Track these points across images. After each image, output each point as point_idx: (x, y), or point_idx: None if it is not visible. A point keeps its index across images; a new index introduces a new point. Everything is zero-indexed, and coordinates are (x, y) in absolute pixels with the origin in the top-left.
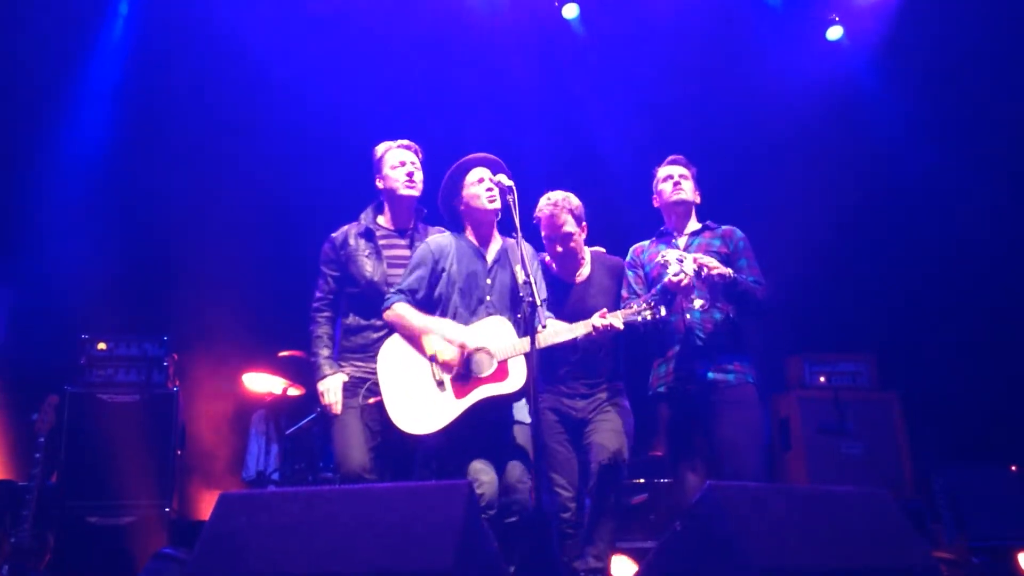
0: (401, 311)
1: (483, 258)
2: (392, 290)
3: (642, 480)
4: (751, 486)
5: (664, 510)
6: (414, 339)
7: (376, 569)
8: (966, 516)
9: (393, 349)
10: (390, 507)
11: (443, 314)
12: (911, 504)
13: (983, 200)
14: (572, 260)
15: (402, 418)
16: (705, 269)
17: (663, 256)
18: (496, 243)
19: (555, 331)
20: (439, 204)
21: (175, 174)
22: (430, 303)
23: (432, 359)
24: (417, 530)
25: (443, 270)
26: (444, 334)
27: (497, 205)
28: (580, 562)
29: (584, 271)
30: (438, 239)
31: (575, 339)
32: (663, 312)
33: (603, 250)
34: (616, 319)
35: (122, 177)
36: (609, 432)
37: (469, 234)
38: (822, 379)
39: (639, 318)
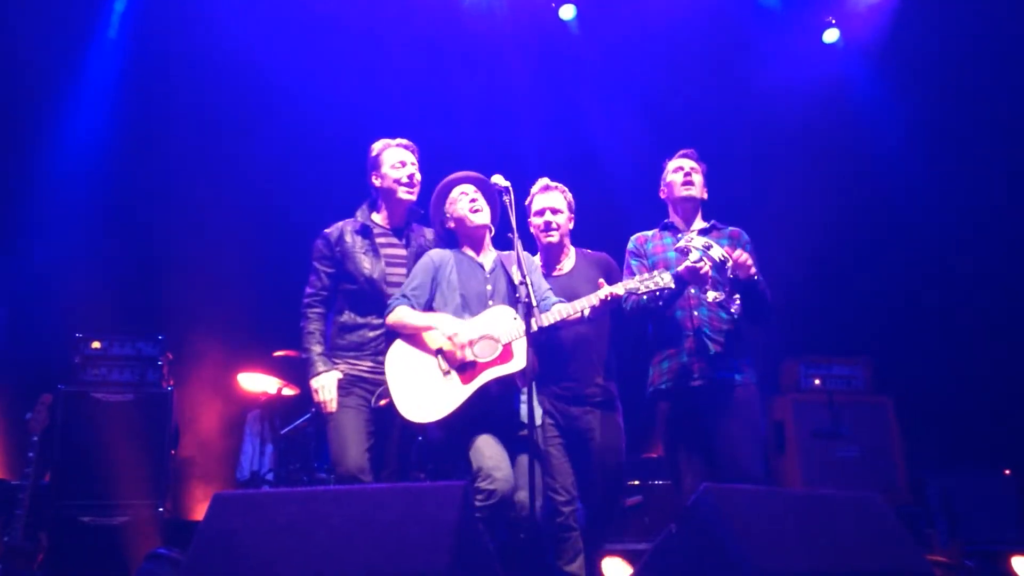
0: (402, 314)
1: (482, 267)
2: (394, 296)
3: (636, 482)
4: (746, 488)
5: (659, 512)
6: (417, 338)
7: (371, 570)
8: (960, 520)
9: (399, 350)
10: (385, 508)
11: None
12: (905, 508)
13: (979, 204)
14: (556, 247)
15: (410, 409)
16: (731, 261)
17: (687, 241)
18: (491, 253)
19: (558, 310)
20: (431, 223)
21: (170, 173)
22: (431, 312)
23: (438, 352)
24: (412, 531)
25: (443, 279)
26: (446, 329)
27: (483, 220)
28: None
29: (567, 264)
30: (439, 251)
31: (581, 315)
32: (666, 281)
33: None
34: (617, 288)
35: (117, 176)
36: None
37: (464, 248)
38: (817, 382)
39: (641, 286)
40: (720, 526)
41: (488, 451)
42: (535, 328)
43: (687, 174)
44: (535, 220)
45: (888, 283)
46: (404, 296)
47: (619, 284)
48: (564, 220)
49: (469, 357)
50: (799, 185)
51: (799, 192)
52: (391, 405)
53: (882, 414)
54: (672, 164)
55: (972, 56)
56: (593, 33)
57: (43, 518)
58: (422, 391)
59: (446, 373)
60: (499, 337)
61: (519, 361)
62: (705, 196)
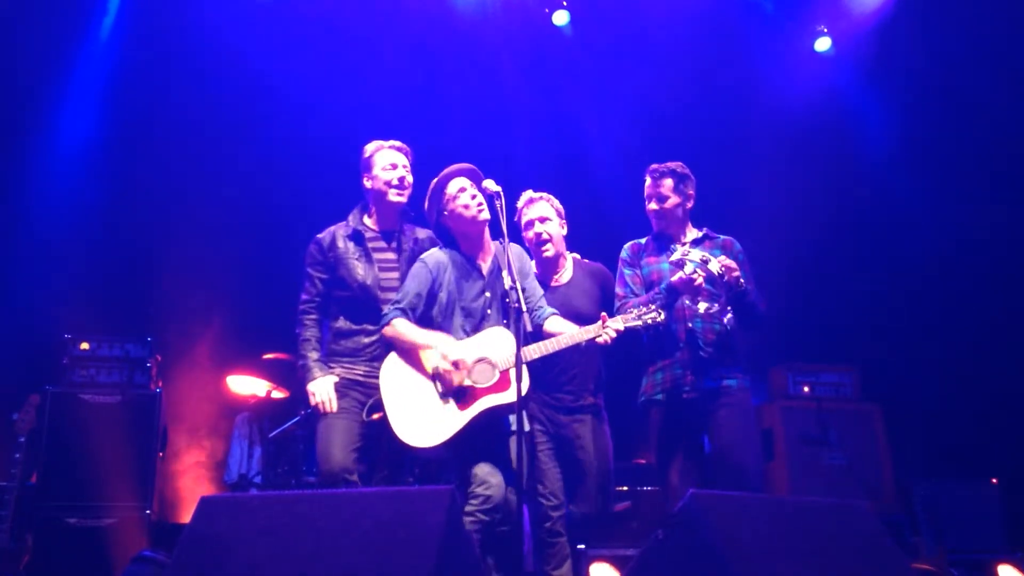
0: (400, 327)
1: (479, 272)
2: (390, 306)
3: (625, 487)
4: (733, 495)
5: (647, 518)
6: (414, 355)
7: (357, 574)
8: (946, 528)
9: (395, 365)
10: (372, 511)
11: (446, 332)
12: (891, 515)
13: (968, 214)
14: (551, 258)
15: (406, 432)
16: (727, 273)
17: (682, 253)
18: (489, 252)
19: (557, 340)
20: (428, 221)
21: (160, 174)
22: (429, 321)
23: (434, 374)
24: (399, 535)
25: (441, 287)
26: (444, 350)
27: (485, 216)
28: None
29: (565, 275)
30: (435, 255)
31: (578, 346)
32: (662, 318)
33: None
34: (617, 323)
35: (107, 177)
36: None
37: (461, 248)
38: (805, 389)
39: (640, 322)
40: (707, 532)
41: (483, 459)
42: (527, 329)
43: (648, 195)
44: (527, 234)
45: (877, 291)
46: (400, 308)
47: (618, 319)
48: (555, 228)
49: (467, 383)
50: (788, 192)
51: (788, 199)
52: (384, 421)
53: (870, 422)
54: (646, 184)
55: (962, 66)
56: (586, 39)
57: (29, 519)
58: (420, 415)
59: (443, 397)
60: (497, 363)
61: (514, 392)
62: (680, 200)
